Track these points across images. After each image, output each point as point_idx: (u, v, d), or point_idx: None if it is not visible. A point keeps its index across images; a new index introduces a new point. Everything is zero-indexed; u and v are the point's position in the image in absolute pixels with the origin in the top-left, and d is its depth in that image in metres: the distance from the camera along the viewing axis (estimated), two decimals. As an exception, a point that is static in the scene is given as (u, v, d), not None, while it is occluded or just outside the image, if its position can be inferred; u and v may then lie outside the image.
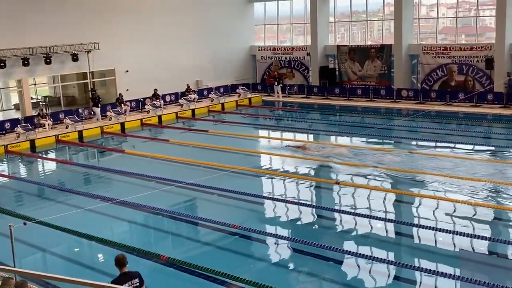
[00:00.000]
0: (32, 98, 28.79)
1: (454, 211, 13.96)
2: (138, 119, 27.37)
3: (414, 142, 21.70)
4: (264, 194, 16.35)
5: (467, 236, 12.13)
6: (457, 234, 12.26)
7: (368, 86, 31.87)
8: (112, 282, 7.88)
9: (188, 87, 31.48)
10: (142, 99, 29.53)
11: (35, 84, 31.13)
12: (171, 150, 21.60)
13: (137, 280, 8.07)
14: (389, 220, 13.54)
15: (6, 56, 24.60)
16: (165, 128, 26.69)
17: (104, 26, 28.72)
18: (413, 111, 27.23)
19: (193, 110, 29.61)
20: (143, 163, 20.32)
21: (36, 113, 25.83)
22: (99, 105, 27.23)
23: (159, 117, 28.03)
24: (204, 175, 17.24)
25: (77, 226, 13.22)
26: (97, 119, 26.89)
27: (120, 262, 7.99)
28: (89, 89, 28.49)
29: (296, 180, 17.30)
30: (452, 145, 20.77)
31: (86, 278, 7.73)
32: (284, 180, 17.46)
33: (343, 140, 22.61)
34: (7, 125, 24.65)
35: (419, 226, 13.02)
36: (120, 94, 28.31)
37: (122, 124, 26.43)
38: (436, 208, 14.18)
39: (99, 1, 28.93)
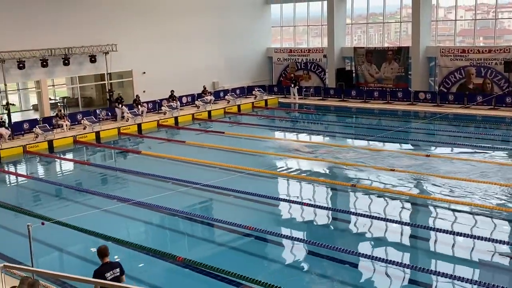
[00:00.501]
0: (50, 99, 29.12)
1: (471, 214, 13.84)
2: (155, 120, 27.52)
3: (431, 145, 21.53)
4: (280, 196, 16.35)
5: (485, 240, 12.00)
6: (474, 238, 12.16)
7: (385, 89, 31.71)
8: (95, 271, 8.36)
9: (205, 88, 31.58)
10: (158, 101, 29.68)
11: (53, 85, 31.45)
12: (187, 152, 21.68)
13: (117, 269, 8.51)
14: (405, 223, 13.46)
15: (25, 57, 24.88)
16: (181, 129, 26.80)
17: (122, 28, 28.94)
18: (431, 114, 27.07)
19: (209, 112, 29.69)
20: (159, 164, 20.42)
21: (55, 114, 26.08)
22: (121, 105, 27.56)
23: (176, 118, 28.14)
24: (220, 176, 17.28)
25: (94, 226, 13.33)
26: (122, 118, 27.14)
27: (102, 253, 8.48)
28: (107, 90, 28.71)
29: (312, 182, 17.27)
30: (469, 148, 20.58)
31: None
32: (299, 182, 17.44)
33: (359, 142, 22.51)
34: (26, 126, 24.91)
35: (435, 229, 12.93)
36: (137, 95, 28.49)
37: (139, 125, 26.59)
38: (452, 212, 14.07)
39: (117, 3, 29.16)
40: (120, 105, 27.53)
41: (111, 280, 8.24)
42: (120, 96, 27.97)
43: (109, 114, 27.73)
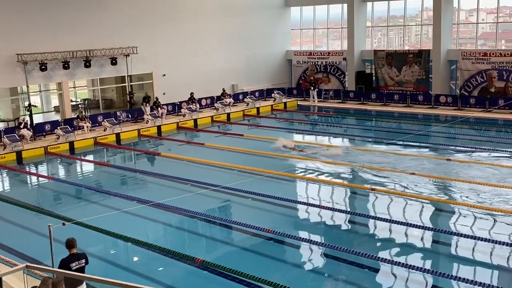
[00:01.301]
0: (71, 101, 29.41)
1: (492, 219, 13.67)
2: (174, 123, 27.65)
3: (452, 149, 21.32)
4: (298, 199, 16.31)
5: (506, 245, 11.85)
6: (495, 243, 12.00)
7: (405, 92, 31.50)
8: (61, 261, 8.98)
9: (224, 91, 31.66)
10: (178, 103, 29.82)
11: (74, 87, 31.79)
12: (206, 154, 21.74)
13: (83, 260, 9.13)
14: (425, 228, 13.34)
15: (47, 59, 25.19)
16: (200, 131, 26.88)
17: (143, 31, 29.16)
18: (452, 118, 26.81)
19: (228, 114, 29.75)
20: (178, 166, 20.50)
21: (76, 116, 26.35)
22: (147, 104, 27.83)
23: (195, 120, 28.25)
24: (238, 178, 17.31)
25: (113, 227, 13.42)
26: (147, 117, 27.37)
27: (69, 244, 9.12)
28: (127, 92, 28.93)
29: (331, 185, 17.20)
30: (491, 152, 20.34)
31: (121, 279, 7.86)
32: (318, 184, 17.38)
33: (378, 146, 22.38)
34: (47, 127, 25.20)
35: (456, 234, 12.80)
36: (156, 97, 28.66)
37: (159, 127, 26.74)
38: (473, 216, 13.91)
39: (138, 6, 29.39)
40: (146, 105, 27.75)
41: (76, 270, 8.85)
42: (148, 95, 28.21)
43: (129, 115, 27.94)
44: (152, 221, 14.73)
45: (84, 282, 8.90)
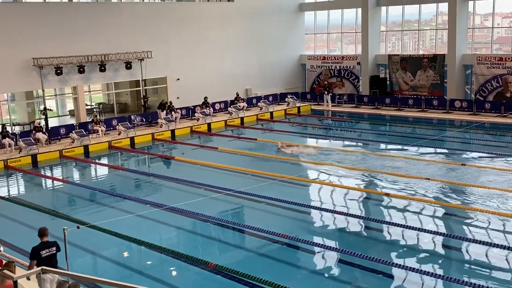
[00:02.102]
0: (86, 105, 29.61)
1: (507, 225, 13.53)
2: (188, 127, 27.73)
3: (467, 154, 21.15)
4: (312, 204, 16.26)
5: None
6: (509, 250, 11.87)
7: (420, 96, 31.33)
8: (32, 248, 9.57)
9: (238, 95, 31.70)
10: (192, 107, 29.92)
11: (89, 91, 32.00)
12: (220, 158, 21.78)
13: (54, 248, 9.74)
14: (440, 233, 13.24)
15: (62, 64, 25.41)
16: (214, 135, 26.93)
17: (157, 35, 29.32)
18: (467, 123, 26.63)
19: (242, 118, 29.79)
20: (192, 170, 20.55)
21: (90, 120, 26.53)
22: (164, 110, 27.98)
23: (209, 124, 28.31)
24: (252, 183, 17.32)
25: (127, 230, 13.48)
26: (161, 122, 27.48)
27: (41, 233, 9.77)
28: (141, 96, 29.08)
29: (345, 190, 17.12)
30: (506, 158, 20.15)
31: (135, 283, 7.89)
32: (332, 189, 17.31)
33: (393, 151, 22.26)
34: (63, 131, 25.39)
35: (470, 240, 12.68)
36: (170, 101, 28.78)
37: (173, 131, 26.83)
38: (488, 222, 13.78)
39: (153, 11, 29.58)
40: (162, 111, 27.83)
41: (46, 257, 9.51)
42: (164, 102, 28.35)
43: (144, 119, 28.07)
44: (166, 225, 14.76)
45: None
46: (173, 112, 28.09)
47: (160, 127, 27.20)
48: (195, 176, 18.79)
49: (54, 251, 9.73)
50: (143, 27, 28.77)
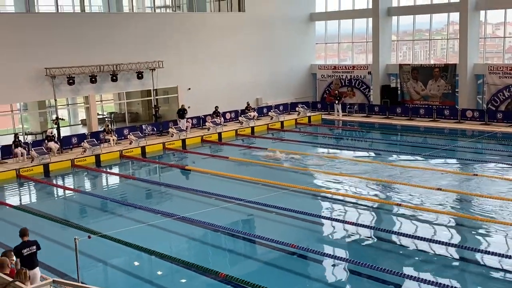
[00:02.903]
0: (98, 114, 29.79)
1: (522, 237, 13.43)
2: (199, 136, 27.80)
3: (479, 164, 21.02)
4: (322, 214, 16.21)
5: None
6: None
7: (431, 106, 31.21)
8: (14, 248, 10.24)
9: (248, 104, 31.76)
10: (203, 116, 30.00)
11: (101, 101, 32.22)
12: (231, 167, 21.80)
13: (34, 247, 10.42)
14: (452, 245, 13.15)
15: (74, 74, 25.61)
16: (224, 145, 26.97)
17: (168, 45, 29.49)
18: (479, 132, 26.48)
19: (252, 128, 29.82)
20: (203, 180, 20.59)
21: (102, 129, 26.67)
22: (185, 117, 28.08)
23: (219, 134, 28.37)
24: (262, 193, 17.32)
25: (138, 240, 13.50)
26: (184, 130, 27.58)
27: (22, 233, 10.51)
28: (153, 106, 29.22)
29: (356, 200, 17.05)
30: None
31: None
32: (343, 199, 17.25)
33: (404, 160, 22.17)
34: (74, 140, 25.55)
35: (483, 251, 12.58)
36: (183, 105, 28.83)
37: (183, 141, 26.91)
38: (501, 234, 13.66)
39: (164, 21, 29.76)
40: (182, 118, 27.96)
41: (27, 255, 10.23)
42: (182, 108, 28.37)
43: (155, 129, 28.19)
44: (176, 235, 14.78)
45: (38, 268, 10.37)
46: (183, 120, 28.14)
47: (171, 136, 27.27)
48: (206, 186, 18.82)
49: (35, 250, 10.42)
50: (154, 37, 28.95)
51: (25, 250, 10.29)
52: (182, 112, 28.12)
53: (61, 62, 25.36)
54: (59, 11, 26.71)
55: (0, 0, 24.89)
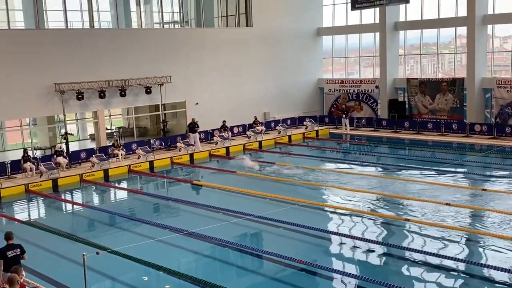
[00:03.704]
0: (106, 129, 29.94)
1: (532, 253, 13.33)
2: (207, 150, 27.85)
3: (487, 179, 20.92)
4: (331, 229, 16.15)
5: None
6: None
7: (439, 120, 31.15)
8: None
9: (256, 119, 31.83)
10: (210, 131, 30.09)
11: (110, 116, 32.39)
12: (238, 182, 21.81)
13: (18, 249, 11.16)
14: (461, 260, 13.07)
15: (83, 89, 25.81)
16: (232, 159, 26.98)
17: (177, 60, 29.69)
18: (487, 147, 26.38)
19: (260, 142, 29.86)
20: (210, 194, 20.63)
21: (111, 144, 26.80)
22: (196, 131, 28.03)
23: (227, 148, 28.42)
24: (270, 208, 17.31)
25: (146, 256, 13.51)
26: (194, 144, 27.59)
27: (7, 236, 11.22)
28: (161, 120, 29.35)
29: (364, 215, 17.00)
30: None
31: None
32: (351, 215, 17.20)
33: (412, 175, 22.11)
34: (83, 155, 25.67)
35: (493, 267, 12.48)
36: (193, 119, 28.90)
37: (191, 155, 26.97)
38: (511, 249, 13.57)
39: (173, 37, 29.99)
40: (194, 133, 28.00)
41: (11, 257, 10.94)
42: (194, 122, 28.24)
43: (163, 143, 28.28)
44: (184, 250, 14.78)
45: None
46: (195, 135, 28.16)
47: (179, 150, 27.34)
48: (214, 200, 18.85)
49: (18, 252, 11.13)
50: (163, 52, 29.17)
51: (10, 252, 11.02)
52: (193, 126, 28.13)
53: (70, 77, 25.58)
54: (69, 27, 26.97)
55: (11, 16, 25.13)
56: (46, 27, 26.58)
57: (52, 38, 25.75)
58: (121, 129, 32.77)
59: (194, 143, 27.85)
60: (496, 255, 13.52)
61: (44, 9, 26.53)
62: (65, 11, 26.48)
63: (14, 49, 24.49)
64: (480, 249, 14.11)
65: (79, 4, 27.37)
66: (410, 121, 32.00)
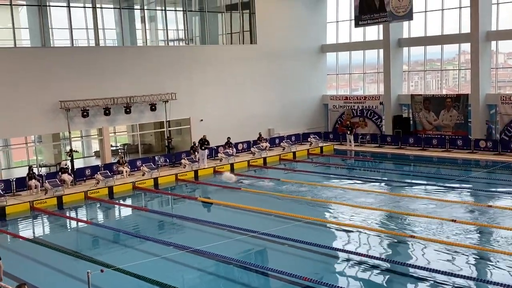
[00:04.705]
0: (111, 146, 30.01)
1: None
2: (211, 167, 27.86)
3: (493, 195, 20.84)
4: (336, 246, 16.08)
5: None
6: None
7: (444, 136, 31.11)
8: None
9: (260, 135, 31.88)
10: (215, 147, 30.12)
11: (114, 132, 32.51)
12: (243, 198, 21.78)
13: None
14: (467, 278, 12.96)
15: (89, 106, 25.94)
16: (237, 176, 26.93)
17: (181, 77, 29.87)
18: (492, 163, 26.31)
19: (264, 159, 29.87)
20: (215, 211, 20.61)
21: (116, 161, 26.84)
22: (204, 148, 28.02)
23: (231, 165, 28.42)
24: (275, 224, 17.28)
25: (151, 273, 13.46)
26: (198, 161, 27.63)
27: None
28: (165, 137, 29.44)
29: (369, 231, 16.92)
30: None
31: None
32: (357, 231, 17.10)
33: (417, 191, 22.03)
34: (88, 172, 25.71)
35: (499, 284, 12.38)
36: (194, 142, 29.02)
37: (196, 172, 26.98)
38: (518, 267, 13.50)
39: (177, 54, 30.17)
40: (204, 149, 28.02)
41: None
42: (204, 139, 28.21)
43: (167, 160, 28.31)
44: (189, 267, 14.71)
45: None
46: (196, 153, 28.26)
47: (184, 167, 27.37)
48: (218, 217, 18.82)
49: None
50: (167, 69, 29.34)
51: None
52: (203, 143, 28.15)
53: (76, 95, 25.74)
54: (74, 45, 27.18)
55: (17, 35, 25.37)
56: (52, 45, 26.79)
57: (58, 55, 25.96)
58: (126, 146, 32.85)
59: (199, 159, 27.88)
60: (501, 272, 13.42)
61: (50, 27, 26.75)
62: (70, 29, 26.72)
63: (20, 67, 24.69)
64: (486, 266, 14.00)
65: (84, 22, 27.59)
66: (414, 137, 31.97)
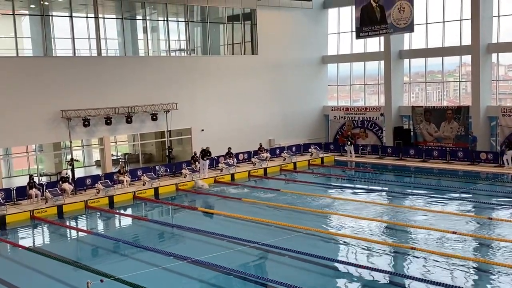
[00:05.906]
0: (112, 155, 30.02)
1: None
2: (212, 177, 27.85)
3: (494, 207, 20.80)
4: (337, 257, 16.04)
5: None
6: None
7: (445, 148, 31.11)
8: None
9: (261, 145, 31.90)
10: (216, 157, 30.12)
11: (115, 142, 32.51)
12: (243, 209, 21.75)
13: None
14: (468, 290, 12.95)
15: (90, 116, 26.00)
16: (238, 186, 26.94)
17: (183, 88, 29.95)
18: (493, 175, 26.28)
19: (265, 169, 29.86)
20: (215, 221, 20.58)
21: (117, 170, 26.85)
22: (206, 159, 28.06)
23: (232, 175, 28.42)
24: (276, 235, 17.24)
25: (150, 283, 13.42)
26: (199, 171, 27.71)
27: None
28: (166, 147, 29.46)
29: (369, 243, 16.87)
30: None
31: None
32: (357, 242, 17.07)
33: (418, 203, 22.01)
34: (88, 181, 25.70)
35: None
36: (194, 152, 29.05)
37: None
38: (519, 279, 13.45)
39: (179, 64, 30.29)
40: (206, 160, 28.02)
41: None
42: (207, 149, 28.28)
43: (168, 170, 28.31)
44: (189, 278, 14.67)
45: None
46: (197, 163, 28.26)
47: (184, 177, 27.36)
48: (218, 228, 18.79)
49: None
50: (169, 79, 29.44)
51: None
52: (205, 153, 28.17)
53: (77, 104, 25.81)
54: (76, 54, 27.28)
55: (19, 44, 25.48)
56: (54, 55, 26.89)
57: (60, 65, 26.05)
58: (126, 156, 32.86)
59: (199, 169, 27.87)
60: (503, 285, 13.38)
61: (52, 36, 26.88)
62: (73, 38, 26.81)
63: (22, 76, 24.78)
64: (487, 278, 13.96)
65: (87, 32, 27.72)
66: (415, 148, 31.97)
